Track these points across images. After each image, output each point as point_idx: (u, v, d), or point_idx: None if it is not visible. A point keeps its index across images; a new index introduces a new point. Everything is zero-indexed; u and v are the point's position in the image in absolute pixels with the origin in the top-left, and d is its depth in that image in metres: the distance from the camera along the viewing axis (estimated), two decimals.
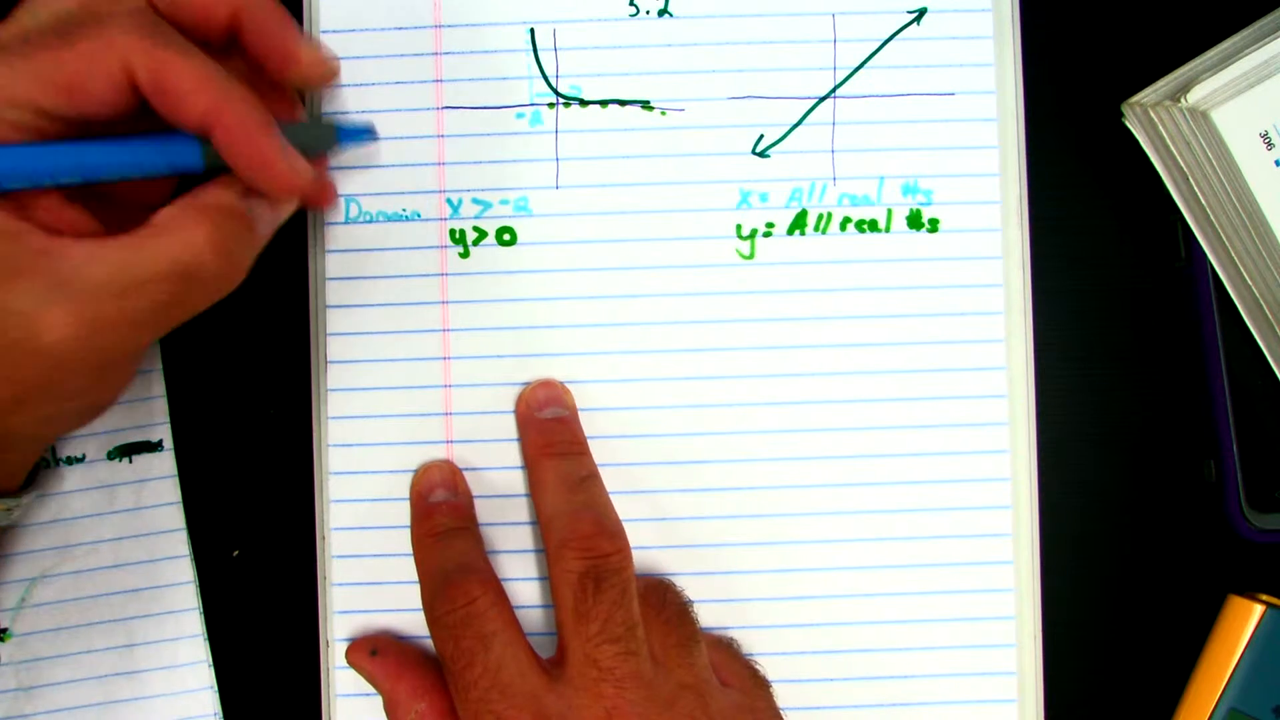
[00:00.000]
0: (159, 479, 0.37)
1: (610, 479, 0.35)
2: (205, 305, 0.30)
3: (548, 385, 0.35)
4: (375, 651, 0.34)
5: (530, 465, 0.35)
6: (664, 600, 0.32)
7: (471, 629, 0.30)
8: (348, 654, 0.34)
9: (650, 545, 0.35)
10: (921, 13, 0.36)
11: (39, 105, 0.28)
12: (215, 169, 0.30)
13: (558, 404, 0.35)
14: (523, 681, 0.30)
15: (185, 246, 0.29)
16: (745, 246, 0.36)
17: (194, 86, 0.28)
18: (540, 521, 0.33)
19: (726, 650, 0.34)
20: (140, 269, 0.28)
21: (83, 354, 0.28)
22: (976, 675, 0.35)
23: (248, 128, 0.29)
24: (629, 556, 0.31)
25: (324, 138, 0.33)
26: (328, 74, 0.32)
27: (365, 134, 0.34)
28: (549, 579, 0.32)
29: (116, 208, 0.31)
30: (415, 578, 0.34)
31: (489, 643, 0.30)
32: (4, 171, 0.28)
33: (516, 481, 0.36)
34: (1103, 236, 0.38)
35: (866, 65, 0.36)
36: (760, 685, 0.34)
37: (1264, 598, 0.35)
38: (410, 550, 0.34)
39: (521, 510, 0.36)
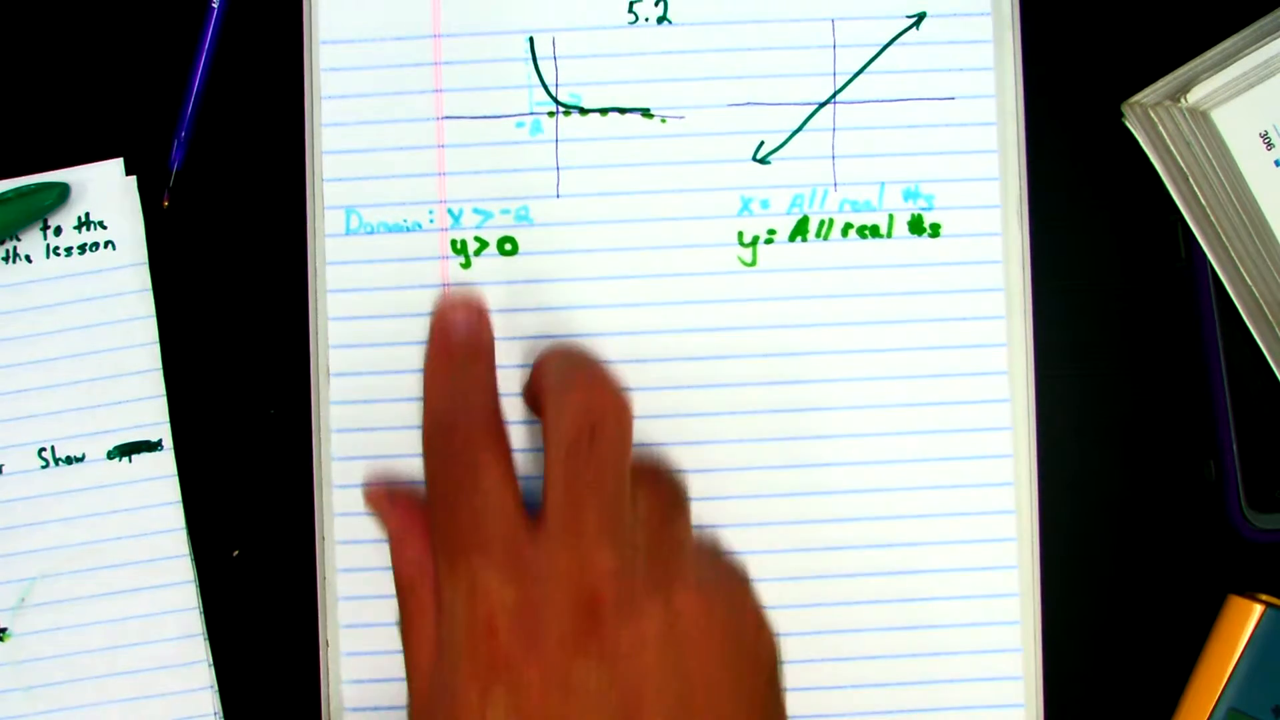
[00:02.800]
0: (159, 479, 0.37)
1: None
2: None
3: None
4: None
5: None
6: (657, 481, 0.31)
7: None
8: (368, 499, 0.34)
9: None
10: (920, 17, 0.36)
11: None
12: None
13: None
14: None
15: None
16: (747, 254, 0.36)
17: None
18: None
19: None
20: None
21: None
22: (980, 680, 0.36)
23: None
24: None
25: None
26: None
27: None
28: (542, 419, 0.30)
29: None
30: None
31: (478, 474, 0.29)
32: None
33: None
34: (1103, 236, 0.38)
35: (866, 70, 0.36)
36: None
37: (1264, 598, 0.35)
38: None
39: None
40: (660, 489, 0.31)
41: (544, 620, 0.28)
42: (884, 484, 0.36)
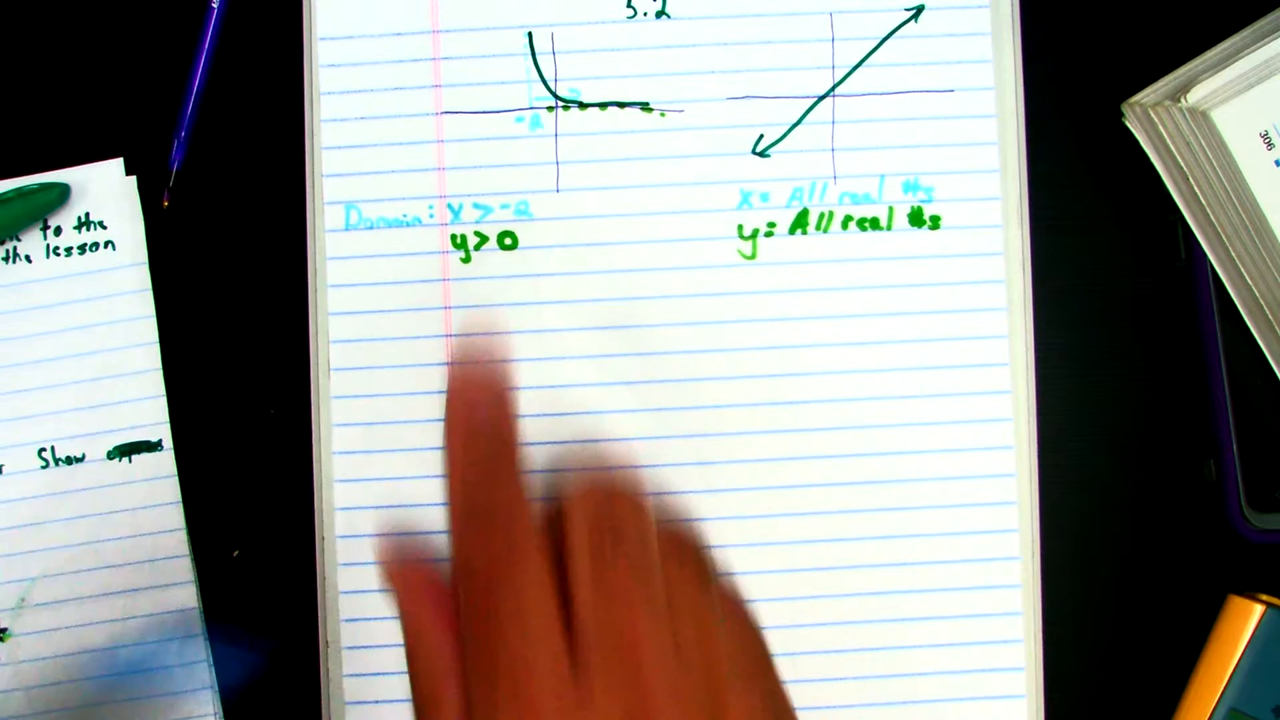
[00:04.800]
0: (159, 479, 0.37)
1: None
2: None
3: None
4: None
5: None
6: (684, 556, 0.30)
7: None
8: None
9: None
10: (919, 10, 0.36)
11: None
12: None
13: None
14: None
15: None
16: (747, 247, 0.36)
17: None
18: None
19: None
20: None
21: None
22: (981, 670, 0.36)
23: None
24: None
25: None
26: None
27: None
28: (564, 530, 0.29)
29: None
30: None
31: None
32: None
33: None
34: (1103, 236, 0.38)
35: (865, 63, 0.36)
36: None
37: (1264, 598, 0.35)
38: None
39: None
40: (686, 567, 0.30)
41: None
42: (885, 475, 0.36)
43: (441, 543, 0.30)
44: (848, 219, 0.36)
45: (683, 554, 0.30)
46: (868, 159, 0.36)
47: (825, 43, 0.36)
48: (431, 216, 0.36)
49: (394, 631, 0.34)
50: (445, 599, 0.29)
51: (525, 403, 0.35)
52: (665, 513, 0.30)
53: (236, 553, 0.37)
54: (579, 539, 0.28)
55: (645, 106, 0.36)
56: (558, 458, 0.31)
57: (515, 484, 0.29)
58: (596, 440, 0.34)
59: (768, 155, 0.36)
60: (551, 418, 0.36)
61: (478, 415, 0.30)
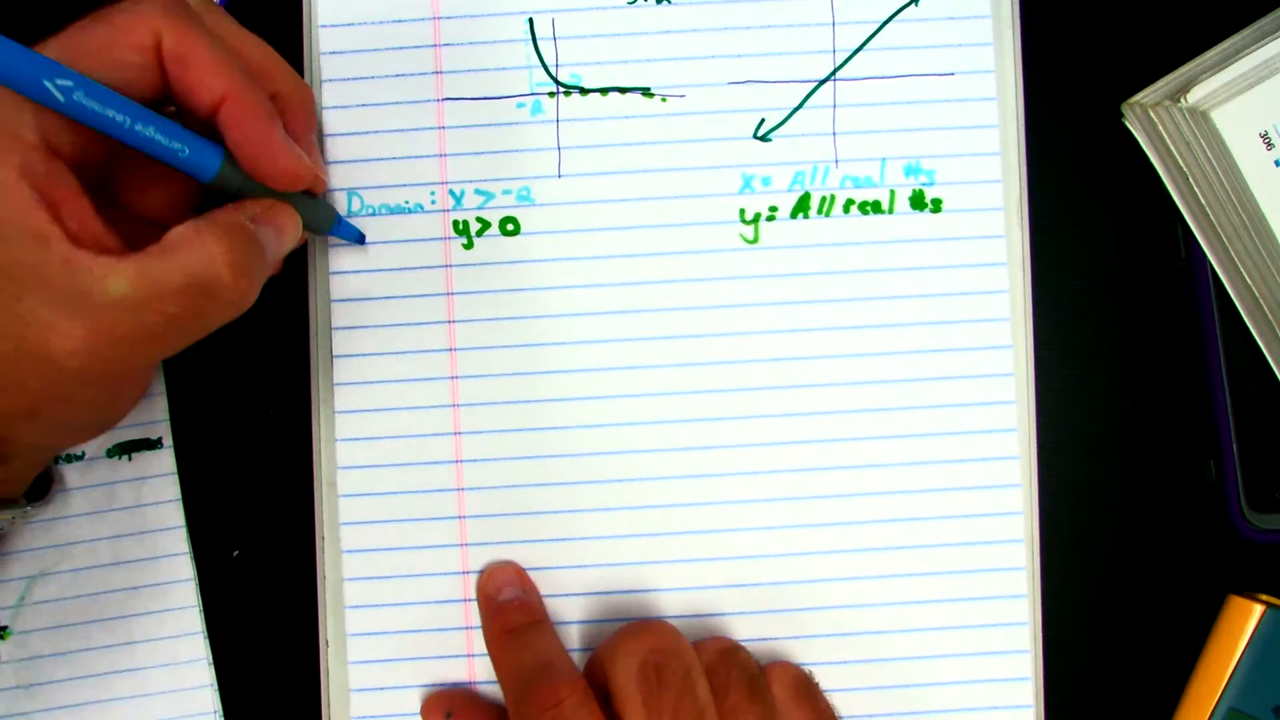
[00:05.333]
0: (159, 477, 0.37)
1: (615, 466, 0.35)
2: (216, 324, 0.30)
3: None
4: (450, 714, 0.34)
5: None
6: (730, 677, 0.32)
7: None
8: (423, 711, 0.35)
9: (652, 532, 0.35)
10: None
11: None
12: (221, 193, 0.31)
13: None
14: None
15: (202, 261, 0.29)
16: (749, 231, 0.36)
17: (215, 68, 0.29)
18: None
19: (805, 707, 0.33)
20: (157, 283, 0.28)
21: (95, 368, 0.28)
22: (982, 682, 0.35)
23: (258, 115, 0.30)
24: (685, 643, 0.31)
25: (321, 219, 0.34)
26: (300, 183, 0.32)
27: (356, 237, 0.35)
28: (609, 686, 0.31)
29: (132, 223, 0.31)
30: (423, 597, 0.35)
31: None
32: (64, 90, 0.27)
33: (524, 472, 0.36)
34: (1103, 236, 0.38)
35: (866, 47, 0.36)
36: None
37: (1264, 598, 0.35)
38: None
39: (526, 499, 0.36)
40: (736, 691, 0.31)
41: None
42: (888, 459, 0.36)
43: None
44: (849, 203, 0.36)
45: (727, 673, 0.31)
46: (869, 142, 0.36)
47: (826, 27, 0.36)
48: (434, 203, 0.36)
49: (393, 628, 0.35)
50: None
51: (525, 404, 0.36)
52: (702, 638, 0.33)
53: (236, 553, 0.37)
54: (624, 674, 0.30)
55: (646, 91, 0.36)
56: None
57: (555, 651, 0.33)
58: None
59: (769, 139, 0.36)
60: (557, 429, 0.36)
61: (511, 613, 0.34)
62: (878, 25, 0.36)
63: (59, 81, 0.27)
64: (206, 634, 0.37)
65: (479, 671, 0.35)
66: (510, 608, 0.34)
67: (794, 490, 0.36)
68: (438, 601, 0.35)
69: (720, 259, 0.36)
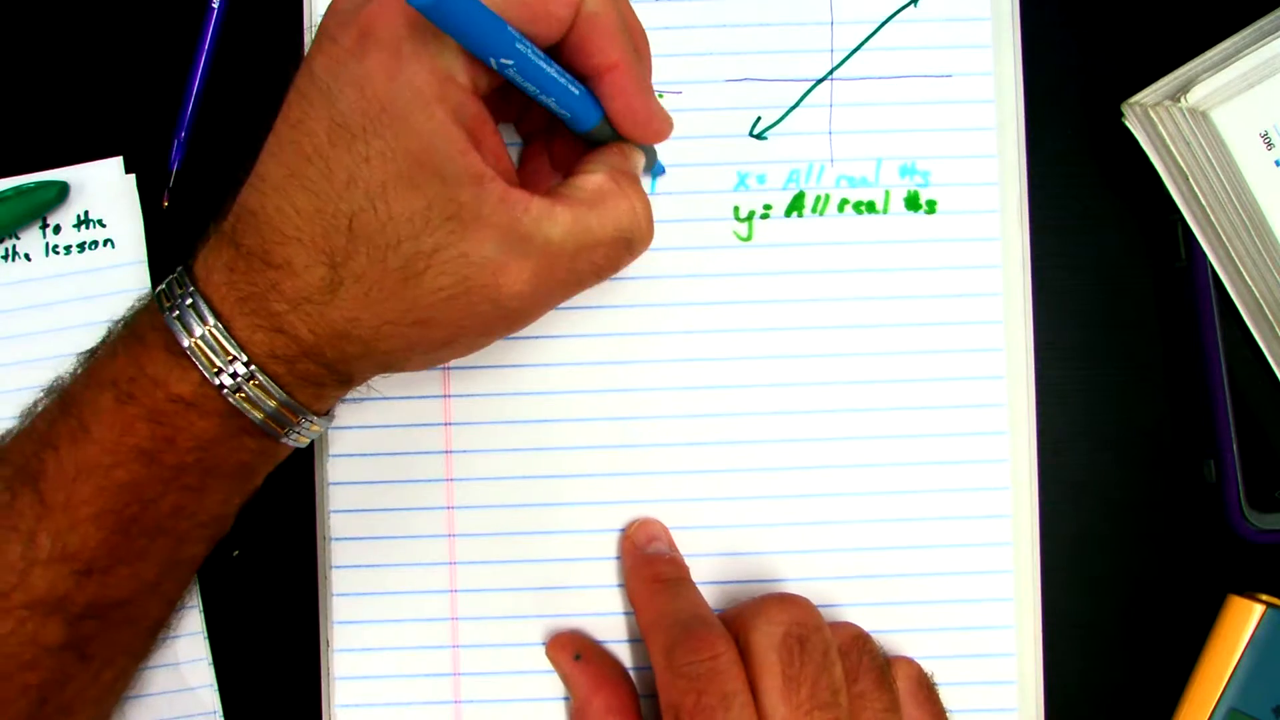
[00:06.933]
0: None
1: (607, 461, 0.35)
2: (617, 271, 0.32)
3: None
4: (579, 656, 0.34)
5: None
6: (861, 663, 0.31)
7: (715, 685, 0.30)
8: (549, 649, 0.35)
9: None
10: None
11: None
12: (592, 138, 0.32)
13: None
14: None
15: (630, 216, 0.30)
16: (743, 228, 0.36)
17: (615, 35, 0.29)
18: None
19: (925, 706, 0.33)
20: (592, 233, 0.29)
21: (528, 308, 0.29)
22: (981, 684, 0.36)
23: (644, 86, 0.31)
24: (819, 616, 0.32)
25: (650, 161, 0.35)
26: (661, 140, 0.33)
27: (662, 173, 0.36)
28: (747, 648, 0.31)
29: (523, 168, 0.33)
30: (415, 586, 0.35)
31: (729, 703, 0.29)
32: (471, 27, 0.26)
33: (515, 464, 0.36)
34: (1103, 236, 0.38)
35: (864, 47, 0.36)
36: None
37: (1264, 598, 0.35)
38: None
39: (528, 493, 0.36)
40: (866, 677, 0.31)
41: None
42: (880, 459, 0.36)
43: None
44: (844, 202, 0.36)
45: (858, 658, 0.31)
46: (865, 142, 0.36)
47: (824, 26, 0.36)
48: None
49: (389, 633, 0.35)
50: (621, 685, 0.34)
51: (523, 404, 0.35)
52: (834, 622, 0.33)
53: (236, 553, 0.37)
54: (767, 640, 0.30)
55: None
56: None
57: (703, 606, 0.33)
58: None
59: (765, 137, 0.36)
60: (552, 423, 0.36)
61: (662, 566, 0.34)
62: (876, 25, 0.36)
63: (518, 46, 0.27)
64: (207, 634, 0.37)
65: (464, 691, 0.35)
66: (661, 559, 0.34)
67: (782, 488, 0.36)
68: (426, 619, 0.35)
69: (713, 256, 0.36)
